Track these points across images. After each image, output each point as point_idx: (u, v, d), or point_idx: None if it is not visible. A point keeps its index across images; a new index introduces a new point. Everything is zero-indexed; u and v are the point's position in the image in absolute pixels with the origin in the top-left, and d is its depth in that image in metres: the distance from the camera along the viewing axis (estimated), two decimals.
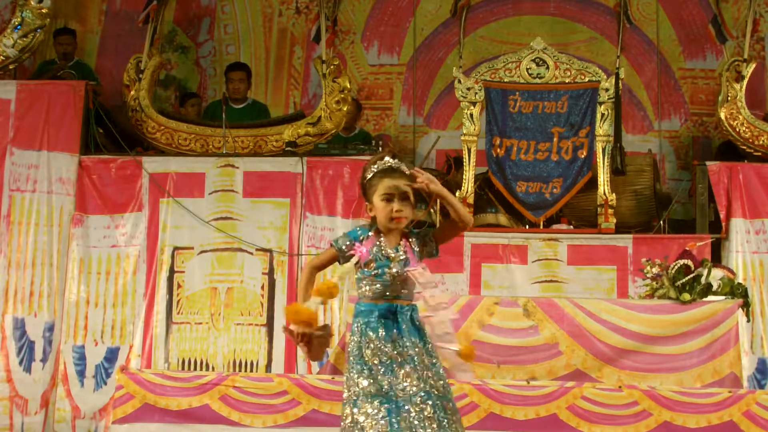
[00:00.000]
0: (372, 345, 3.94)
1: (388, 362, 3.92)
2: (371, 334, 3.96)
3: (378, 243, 4.02)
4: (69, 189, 7.72)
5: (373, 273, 3.99)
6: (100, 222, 7.72)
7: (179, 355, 7.50)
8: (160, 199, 7.73)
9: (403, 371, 3.91)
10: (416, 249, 4.05)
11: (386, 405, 3.87)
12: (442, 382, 3.95)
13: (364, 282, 4.02)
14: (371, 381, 3.91)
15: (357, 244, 4.02)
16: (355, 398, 3.90)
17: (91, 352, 7.53)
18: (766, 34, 9.24)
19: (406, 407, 3.86)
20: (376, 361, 3.93)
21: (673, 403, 5.73)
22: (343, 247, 4.02)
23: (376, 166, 4.04)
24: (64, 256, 7.63)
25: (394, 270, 3.99)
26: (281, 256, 7.57)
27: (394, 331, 3.97)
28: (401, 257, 4.01)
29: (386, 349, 3.93)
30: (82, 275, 7.63)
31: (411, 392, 3.89)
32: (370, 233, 4.04)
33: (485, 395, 5.80)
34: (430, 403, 3.88)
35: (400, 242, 4.05)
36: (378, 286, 3.99)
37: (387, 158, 4.05)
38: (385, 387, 3.88)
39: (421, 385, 3.90)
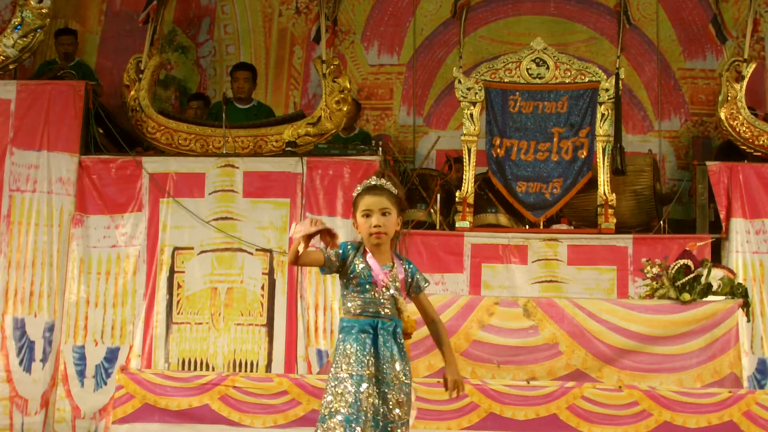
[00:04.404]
0: (349, 359, 3.97)
1: (357, 377, 3.94)
2: (348, 347, 3.98)
3: (364, 260, 4.02)
4: (69, 189, 7.72)
5: (356, 290, 4.01)
6: (100, 222, 7.72)
7: (179, 355, 7.49)
8: (160, 199, 7.73)
9: (366, 389, 3.93)
10: (409, 278, 4.08)
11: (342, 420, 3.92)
12: (398, 410, 3.95)
13: (348, 298, 4.04)
14: (335, 396, 3.94)
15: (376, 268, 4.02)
16: (324, 415, 3.94)
17: (91, 352, 7.53)
18: (766, 34, 9.23)
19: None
20: (346, 375, 3.95)
21: (673, 403, 5.73)
22: (332, 258, 3.99)
23: (361, 186, 4.06)
24: (64, 256, 7.63)
25: (391, 291, 4.01)
26: (281, 256, 7.56)
27: (371, 346, 3.98)
28: (394, 280, 4.04)
29: (360, 364, 3.95)
30: (82, 275, 7.62)
31: (364, 410, 3.91)
32: (359, 250, 4.05)
33: (485, 395, 5.80)
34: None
35: (392, 263, 4.07)
36: (359, 302, 4.01)
37: (372, 177, 4.07)
38: (350, 399, 3.91)
39: (379, 411, 3.93)
